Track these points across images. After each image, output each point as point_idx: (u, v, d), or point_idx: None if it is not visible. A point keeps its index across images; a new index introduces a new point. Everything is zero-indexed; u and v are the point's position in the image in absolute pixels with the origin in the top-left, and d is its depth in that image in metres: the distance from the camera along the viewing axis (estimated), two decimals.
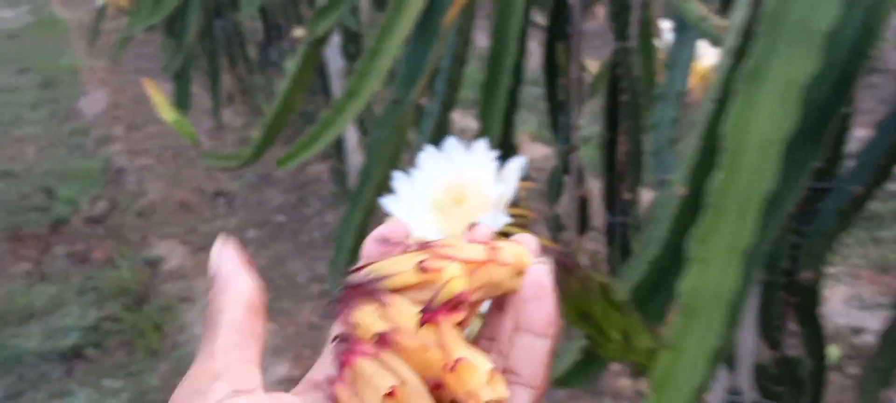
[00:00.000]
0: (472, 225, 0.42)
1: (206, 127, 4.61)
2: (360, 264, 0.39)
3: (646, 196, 1.67)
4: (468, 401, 0.35)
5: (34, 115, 5.14)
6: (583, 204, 1.52)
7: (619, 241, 1.53)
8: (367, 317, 0.36)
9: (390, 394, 0.34)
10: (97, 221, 3.62)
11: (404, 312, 0.36)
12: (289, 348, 2.66)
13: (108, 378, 2.57)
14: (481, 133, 1.23)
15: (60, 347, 2.71)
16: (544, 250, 0.41)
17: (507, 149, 1.19)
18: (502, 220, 1.08)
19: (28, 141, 4.70)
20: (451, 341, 0.35)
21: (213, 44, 2.80)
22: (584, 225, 1.53)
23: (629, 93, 1.37)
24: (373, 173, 1.29)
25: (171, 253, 3.28)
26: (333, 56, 3.00)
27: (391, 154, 1.29)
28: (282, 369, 2.54)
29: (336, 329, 0.38)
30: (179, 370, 2.56)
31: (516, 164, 1.12)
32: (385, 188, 1.55)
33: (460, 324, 0.37)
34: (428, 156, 1.17)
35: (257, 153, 1.59)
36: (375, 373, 0.35)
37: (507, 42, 1.09)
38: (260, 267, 3.20)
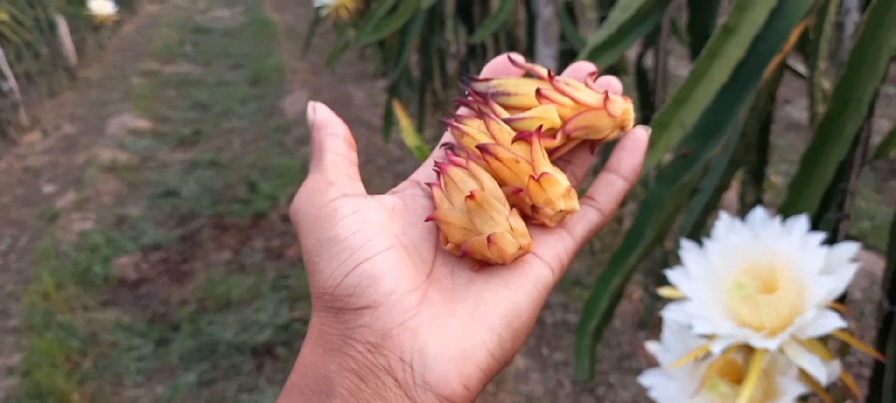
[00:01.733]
0: (592, 73, 0.46)
1: (396, 139, 4.66)
2: (485, 76, 0.47)
3: None
4: (545, 207, 0.42)
5: (243, 109, 5.47)
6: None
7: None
8: (473, 130, 0.44)
9: (470, 196, 0.41)
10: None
11: (505, 129, 0.43)
12: None
13: None
14: (788, 208, 1.03)
15: (253, 341, 2.78)
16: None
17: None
18: (830, 324, 0.88)
19: (235, 133, 4.99)
20: (539, 158, 0.42)
21: (427, 59, 2.76)
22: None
23: None
24: (644, 234, 1.12)
25: None
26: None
27: (668, 217, 1.12)
28: None
29: (446, 137, 0.48)
30: None
31: (849, 251, 0.92)
32: (652, 253, 1.37)
33: (556, 151, 0.44)
34: (728, 228, 1.00)
35: None
36: (461, 179, 0.43)
37: (857, 100, 0.89)
38: None
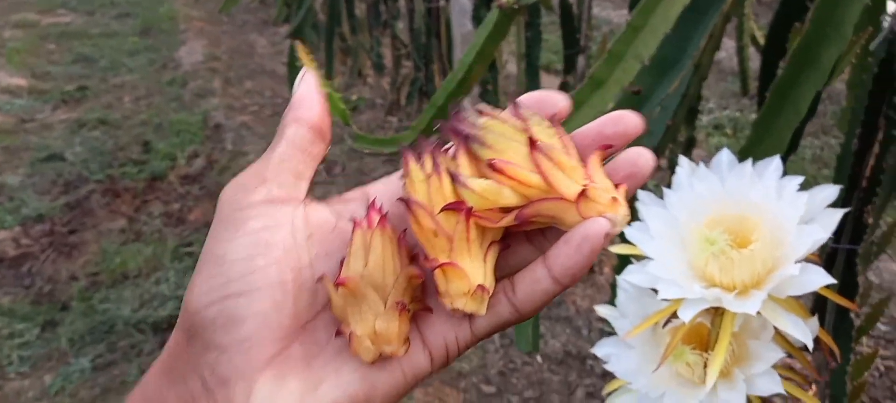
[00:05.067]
0: (607, 147, 0.39)
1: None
2: (483, 110, 0.40)
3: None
4: (444, 299, 0.38)
5: (132, 62, 5.03)
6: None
7: (843, 274, 1.18)
8: (419, 174, 0.39)
9: (341, 282, 0.38)
10: (194, 180, 3.45)
11: (445, 189, 0.38)
12: None
13: None
14: (754, 148, 0.91)
15: (155, 317, 2.54)
16: None
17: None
18: (816, 280, 0.76)
19: (126, 89, 4.58)
20: (459, 240, 0.38)
21: (334, 1, 2.53)
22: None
23: None
24: None
25: None
26: (460, 20, 2.70)
27: None
28: None
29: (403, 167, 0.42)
30: None
31: (830, 194, 0.80)
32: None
33: (517, 226, 0.39)
34: (690, 175, 0.86)
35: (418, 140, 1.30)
36: (356, 251, 0.39)
37: (838, 23, 0.76)
38: None
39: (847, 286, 1.09)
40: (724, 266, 0.81)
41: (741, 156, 0.84)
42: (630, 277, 0.89)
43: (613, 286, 1.54)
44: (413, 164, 0.40)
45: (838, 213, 0.77)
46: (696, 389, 0.92)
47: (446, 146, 0.42)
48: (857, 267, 1.10)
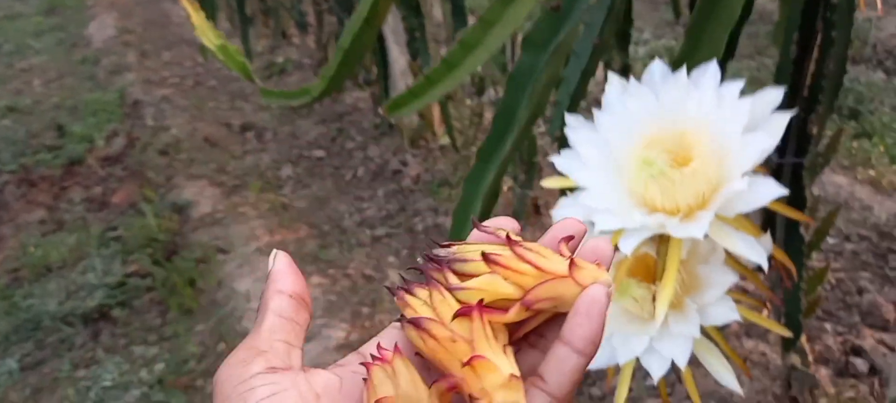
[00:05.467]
0: (568, 238, 0.42)
1: None
2: (450, 243, 0.42)
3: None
4: (481, 400, 0.38)
5: (39, 44, 4.72)
6: None
7: (791, 189, 1.13)
8: (418, 301, 0.41)
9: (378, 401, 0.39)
10: (115, 160, 3.26)
11: (448, 300, 0.40)
12: (343, 306, 2.32)
13: (140, 345, 2.25)
14: (688, 56, 0.83)
15: (83, 308, 2.39)
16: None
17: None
18: (767, 193, 0.70)
19: (34, 72, 4.30)
20: (480, 337, 0.38)
21: None
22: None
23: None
24: (516, 116, 0.90)
25: (201, 196, 2.92)
26: None
27: (544, 90, 0.90)
28: (338, 333, 2.20)
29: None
30: (220, 332, 2.24)
31: (775, 98, 0.73)
32: (530, 136, 1.14)
33: (523, 325, 0.41)
34: (620, 92, 0.78)
35: (328, 90, 1.20)
36: (380, 383, 0.40)
37: None
38: (300, 209, 2.84)
39: (795, 201, 1.04)
40: (665, 188, 0.74)
41: (675, 65, 0.77)
42: (563, 211, 0.82)
43: None
44: (410, 297, 0.41)
45: (785, 117, 0.71)
46: (646, 325, 0.86)
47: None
48: (803, 180, 1.05)
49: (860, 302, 2.07)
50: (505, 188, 2.80)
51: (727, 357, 0.85)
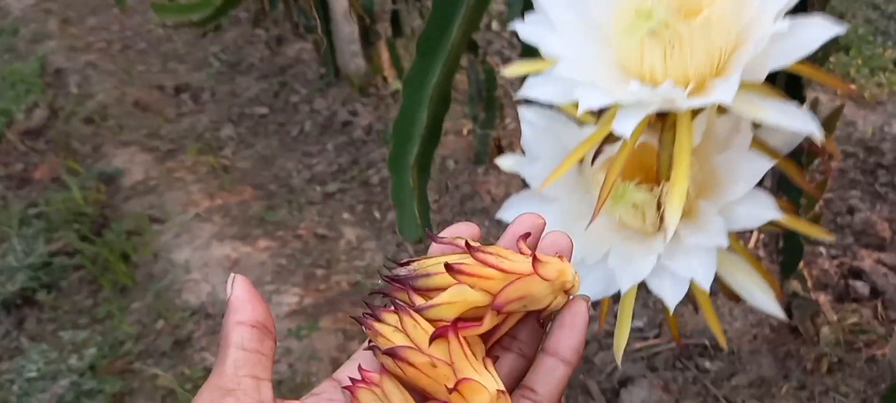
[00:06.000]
0: (525, 235, 0.42)
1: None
2: (409, 259, 0.42)
3: None
4: None
5: None
6: None
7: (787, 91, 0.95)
8: (388, 328, 0.40)
9: None
10: (37, 134, 2.97)
11: (420, 324, 0.40)
12: (296, 269, 2.11)
13: (69, 329, 2.02)
14: None
15: (4, 293, 2.14)
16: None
17: None
18: (815, 37, 0.50)
19: None
20: (459, 358, 0.38)
21: None
22: None
23: None
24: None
25: (132, 164, 2.66)
26: None
27: None
28: (290, 298, 2.00)
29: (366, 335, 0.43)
30: (157, 308, 2.01)
31: None
32: (480, 16, 0.93)
33: (497, 329, 0.41)
34: None
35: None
36: None
37: None
38: (244, 170, 2.61)
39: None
40: (669, 48, 0.55)
41: None
42: (532, 92, 0.62)
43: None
44: (380, 325, 0.40)
45: None
46: (651, 240, 0.67)
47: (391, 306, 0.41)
48: (802, 81, 0.86)
49: (852, 222, 1.93)
50: (464, 131, 2.60)
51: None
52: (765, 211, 0.59)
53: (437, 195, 2.33)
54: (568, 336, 0.40)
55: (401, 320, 0.39)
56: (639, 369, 1.71)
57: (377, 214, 2.34)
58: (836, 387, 1.59)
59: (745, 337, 1.71)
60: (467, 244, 0.40)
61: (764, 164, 0.58)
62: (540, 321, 0.42)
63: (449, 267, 0.39)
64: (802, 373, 1.61)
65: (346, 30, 2.81)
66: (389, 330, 0.40)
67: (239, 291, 0.42)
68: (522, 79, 0.67)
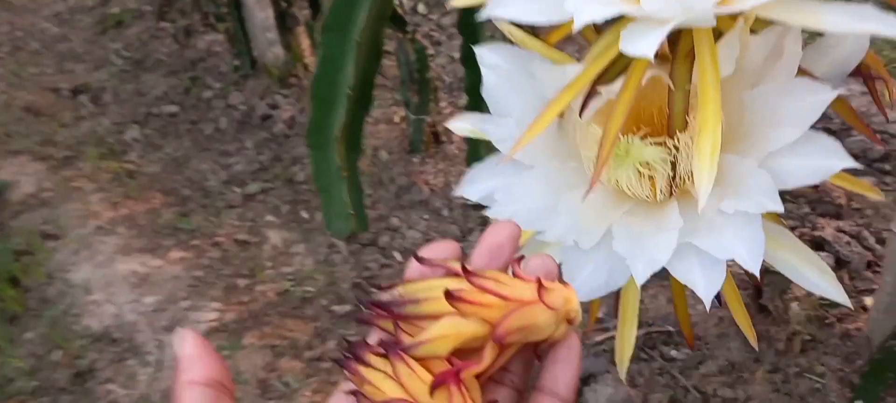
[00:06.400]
0: (519, 259, 0.39)
1: (55, 15, 3.59)
2: (391, 283, 0.38)
3: None
4: None
5: None
6: None
7: None
8: (377, 375, 0.35)
9: None
10: None
11: (416, 372, 0.35)
12: (214, 281, 1.89)
13: None
14: None
15: None
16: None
17: None
18: None
19: None
20: None
21: None
22: None
23: None
24: None
25: (22, 175, 2.37)
26: None
27: None
28: (209, 314, 1.77)
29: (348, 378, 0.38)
30: (53, 338, 1.75)
31: None
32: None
33: (493, 363, 0.36)
34: None
35: None
36: None
37: None
38: (152, 175, 2.35)
39: None
40: None
41: None
42: (499, 10, 0.43)
43: (471, 152, 1.08)
44: (367, 371, 0.36)
45: None
46: (661, 212, 0.50)
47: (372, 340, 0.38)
48: None
49: (806, 190, 1.84)
50: (395, 118, 2.42)
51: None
52: (830, 159, 0.43)
53: (370, 190, 2.13)
54: (563, 373, 0.38)
55: (393, 367, 0.35)
56: (602, 364, 1.57)
57: (305, 214, 2.14)
58: (811, 368, 1.48)
59: (711, 321, 1.59)
60: (464, 267, 0.36)
61: (823, 96, 0.42)
62: (537, 352, 0.38)
63: (449, 295, 0.35)
64: (775, 355, 1.51)
65: (260, 16, 2.58)
66: (379, 378, 0.36)
67: (189, 348, 0.38)
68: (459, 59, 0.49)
